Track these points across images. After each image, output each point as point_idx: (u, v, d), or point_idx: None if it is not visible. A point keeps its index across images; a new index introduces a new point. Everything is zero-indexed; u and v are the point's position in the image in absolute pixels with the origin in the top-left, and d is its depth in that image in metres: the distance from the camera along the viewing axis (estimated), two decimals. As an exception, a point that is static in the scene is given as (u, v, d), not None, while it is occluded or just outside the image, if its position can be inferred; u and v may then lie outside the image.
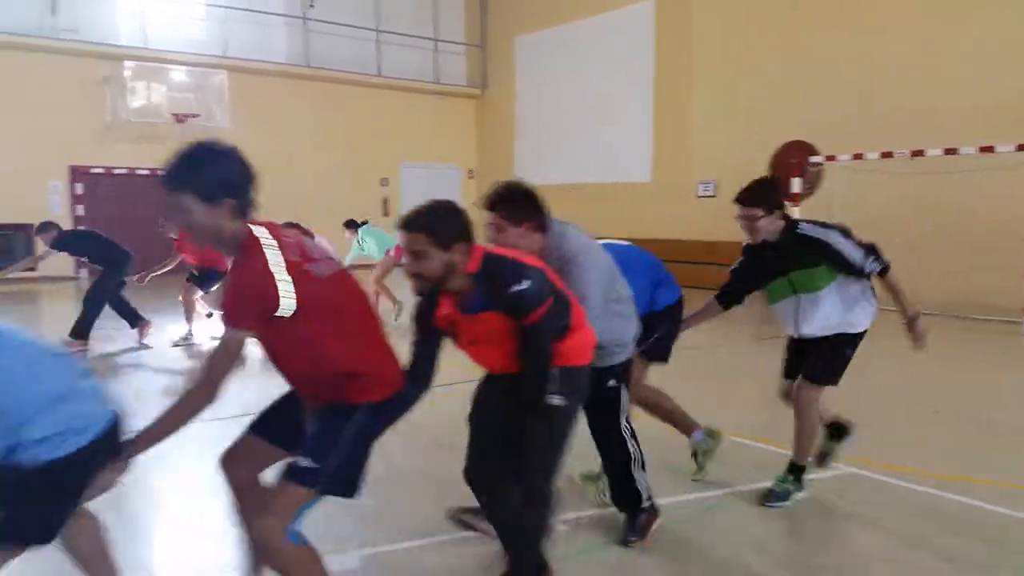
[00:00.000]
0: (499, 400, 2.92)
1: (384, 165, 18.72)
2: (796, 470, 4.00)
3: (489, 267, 2.67)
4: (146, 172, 15.35)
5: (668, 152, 15.95)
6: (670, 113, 15.88)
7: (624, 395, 3.48)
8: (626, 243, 4.24)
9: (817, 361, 3.93)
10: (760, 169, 12.36)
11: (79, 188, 15.39)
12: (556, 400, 2.76)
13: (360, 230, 10.77)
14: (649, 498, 3.52)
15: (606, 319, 3.18)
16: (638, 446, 3.51)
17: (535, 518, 2.91)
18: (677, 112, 15.69)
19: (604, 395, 3.37)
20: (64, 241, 8.43)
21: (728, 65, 14.66)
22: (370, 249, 10.55)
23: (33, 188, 14.63)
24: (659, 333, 4.02)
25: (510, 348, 2.73)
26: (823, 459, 4.26)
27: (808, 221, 3.92)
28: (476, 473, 3.00)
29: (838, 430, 4.28)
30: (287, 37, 17.56)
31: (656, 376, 4.30)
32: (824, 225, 3.84)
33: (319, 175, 17.58)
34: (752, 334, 9.37)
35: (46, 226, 8.35)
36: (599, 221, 17.31)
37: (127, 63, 15.26)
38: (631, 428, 3.52)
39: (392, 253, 10.24)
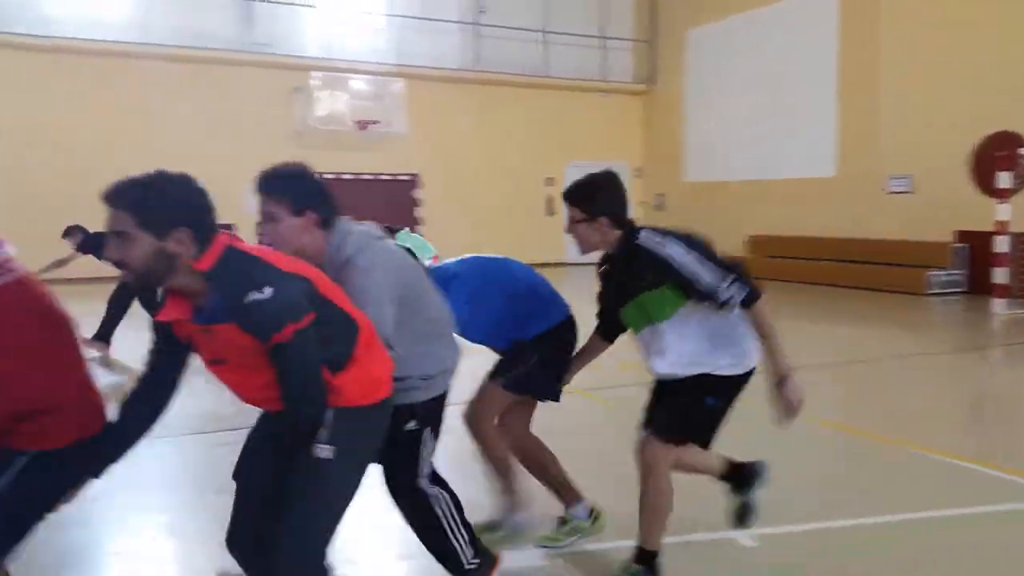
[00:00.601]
0: (269, 447, 2.35)
1: (549, 164, 18.83)
2: (645, 558, 3.02)
3: (226, 266, 2.07)
4: (331, 176, 16.31)
5: (854, 145, 14.96)
6: (856, 103, 14.89)
7: (428, 442, 2.79)
8: (498, 256, 3.62)
9: (665, 409, 3.06)
10: (959, 163, 11.31)
11: (272, 193, 16.56)
12: (324, 452, 2.18)
13: (397, 236, 10.66)
14: (476, 555, 2.84)
15: (403, 342, 2.55)
16: (448, 500, 2.83)
17: None
18: (864, 102, 14.69)
19: (399, 440, 2.69)
20: (90, 244, 8.38)
21: (920, 51, 13.54)
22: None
23: (228, 192, 15.84)
24: (530, 363, 3.32)
25: (268, 376, 2.12)
26: (742, 518, 3.37)
27: (651, 229, 3.01)
28: (238, 542, 2.42)
29: (741, 476, 3.35)
30: (459, 43, 18.06)
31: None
32: (665, 233, 2.96)
33: (485, 176, 18.06)
34: (955, 344, 8.58)
35: (72, 230, 8.46)
36: (775, 218, 16.82)
37: (314, 74, 16.25)
38: (437, 480, 2.86)
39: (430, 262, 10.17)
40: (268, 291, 2.02)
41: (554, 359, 3.36)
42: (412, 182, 17.83)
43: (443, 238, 17.54)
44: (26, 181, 13.98)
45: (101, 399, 2.25)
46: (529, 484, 3.59)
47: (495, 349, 3.50)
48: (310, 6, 16.61)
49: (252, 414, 2.49)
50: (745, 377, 3.03)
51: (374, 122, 16.52)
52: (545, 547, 3.45)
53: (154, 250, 2.01)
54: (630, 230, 3.01)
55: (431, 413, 2.80)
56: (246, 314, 2.02)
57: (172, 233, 2.02)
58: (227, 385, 2.27)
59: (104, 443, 2.23)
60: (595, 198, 3.01)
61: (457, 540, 2.80)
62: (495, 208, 18.12)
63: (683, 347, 2.97)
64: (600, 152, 19.31)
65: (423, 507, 2.80)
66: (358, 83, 16.76)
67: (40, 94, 14.29)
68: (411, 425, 2.75)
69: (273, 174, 2.62)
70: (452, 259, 3.66)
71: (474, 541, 2.86)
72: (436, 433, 2.85)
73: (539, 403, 3.51)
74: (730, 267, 2.88)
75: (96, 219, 2.44)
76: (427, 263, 10.54)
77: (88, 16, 14.65)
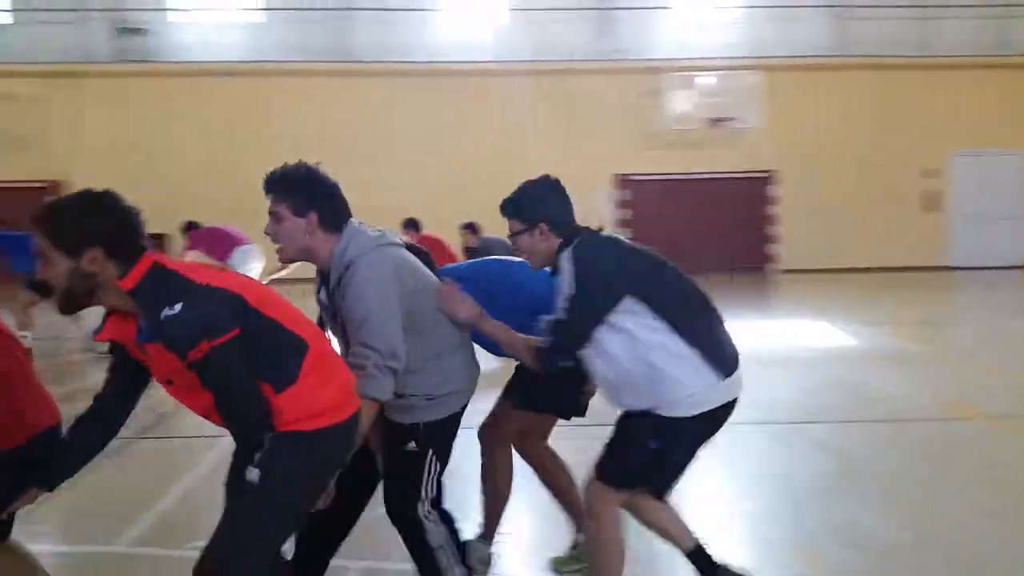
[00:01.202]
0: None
1: (928, 155, 16.68)
2: None
3: (148, 284, 2.03)
4: (681, 177, 16.22)
5: None
6: None
7: (430, 466, 2.62)
8: (504, 259, 3.34)
9: (607, 447, 2.70)
10: None
11: (623, 195, 16.88)
12: (251, 475, 2.09)
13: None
14: None
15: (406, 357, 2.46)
16: (446, 532, 2.67)
17: None
18: None
19: (398, 461, 2.62)
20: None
21: None
22: None
23: (579, 197, 16.43)
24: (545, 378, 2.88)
25: (210, 395, 2.09)
26: None
27: (590, 240, 2.72)
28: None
29: (710, 569, 2.75)
30: (820, 28, 16.76)
31: None
32: (590, 248, 2.66)
33: (849, 171, 16.56)
34: None
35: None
36: None
37: (665, 74, 16.23)
38: (438, 511, 2.69)
39: None
40: (178, 307, 1.97)
41: (569, 373, 2.84)
42: (766, 179, 16.98)
43: (802, 239, 16.63)
44: (431, 198, 15.83)
45: (49, 398, 2.36)
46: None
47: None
48: (665, 7, 16.62)
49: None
50: (698, 421, 2.57)
51: (727, 119, 16.01)
52: (557, 572, 3.25)
53: (68, 270, 2.02)
54: (568, 238, 2.72)
55: (435, 435, 2.64)
56: (162, 331, 1.99)
57: (85, 252, 2.02)
58: (187, 406, 2.25)
59: (56, 457, 2.29)
60: (529, 205, 2.77)
61: (451, 571, 2.66)
62: (860, 206, 16.53)
63: (618, 377, 2.60)
64: (993, 138, 16.67)
65: (417, 536, 2.66)
66: (710, 80, 16.36)
67: (426, 114, 16.11)
68: (410, 446, 2.62)
69: (280, 174, 2.57)
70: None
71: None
72: (443, 458, 2.68)
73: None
74: (570, 323, 2.55)
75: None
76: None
77: (459, 41, 16.21)
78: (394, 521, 2.72)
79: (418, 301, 2.57)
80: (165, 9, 16.08)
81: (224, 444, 2.56)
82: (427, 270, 2.76)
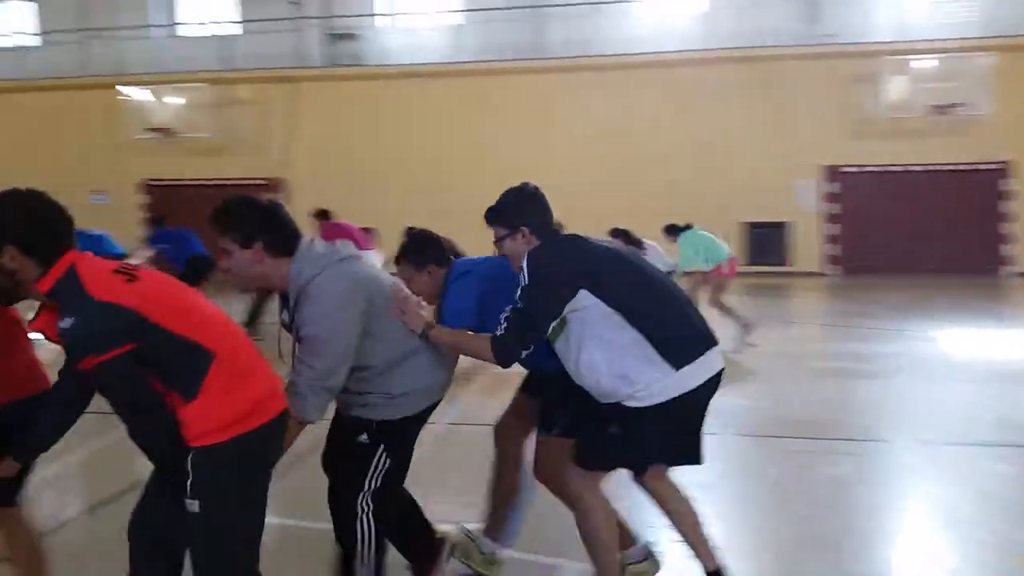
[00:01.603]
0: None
1: None
2: None
3: (59, 288, 2.10)
4: (898, 168, 14.91)
5: None
6: None
7: (379, 462, 2.76)
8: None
9: (581, 429, 2.88)
10: None
11: (831, 187, 15.75)
12: (192, 507, 2.15)
13: (680, 237, 8.96)
14: None
15: (368, 359, 2.65)
16: (374, 533, 2.77)
17: None
18: None
19: (348, 450, 2.79)
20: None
21: None
22: (689, 259, 8.74)
23: (783, 188, 15.54)
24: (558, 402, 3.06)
25: None
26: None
27: (560, 240, 2.91)
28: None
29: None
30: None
31: None
32: (551, 246, 2.81)
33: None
34: None
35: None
36: None
37: (881, 58, 14.94)
38: (375, 508, 2.76)
39: (724, 268, 8.61)
40: (68, 321, 2.01)
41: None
42: (1000, 172, 15.19)
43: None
44: (630, 195, 15.62)
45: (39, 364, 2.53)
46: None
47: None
48: (883, -14, 15.33)
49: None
50: (651, 410, 2.68)
51: (954, 105, 14.48)
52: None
53: None
54: (546, 239, 2.87)
55: (390, 433, 2.75)
56: (62, 339, 2.06)
57: (3, 249, 2.10)
58: None
59: (29, 433, 2.37)
60: (510, 212, 2.91)
61: (364, 572, 2.76)
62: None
63: (582, 367, 2.74)
64: None
65: (347, 523, 2.77)
66: (931, 63, 14.89)
67: (622, 108, 15.83)
68: (362, 438, 2.73)
69: (221, 210, 2.60)
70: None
71: None
72: (395, 456, 2.78)
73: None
74: (523, 311, 2.69)
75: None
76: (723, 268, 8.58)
77: (656, 31, 15.76)
78: (332, 502, 2.84)
79: (378, 308, 2.64)
80: (373, 15, 16.89)
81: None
82: (387, 278, 2.82)
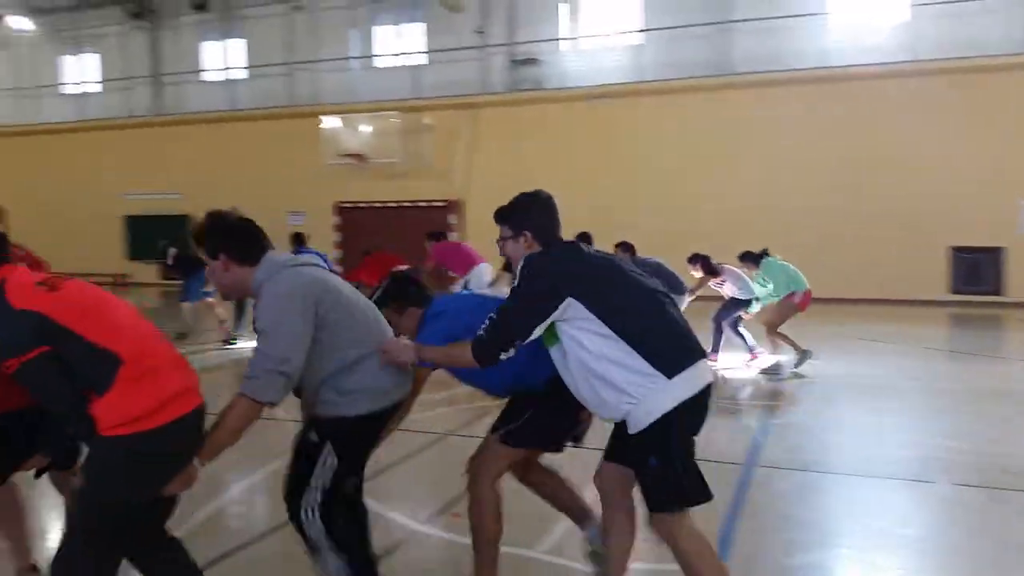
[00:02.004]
0: None
1: None
2: None
3: None
4: None
5: None
6: None
7: (326, 459, 2.83)
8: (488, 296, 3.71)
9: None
10: None
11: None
12: (76, 482, 2.50)
13: (762, 264, 8.72)
14: None
15: (321, 361, 2.78)
16: (322, 531, 2.84)
17: None
18: None
19: (300, 447, 2.93)
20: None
21: None
22: (762, 288, 8.70)
23: (996, 210, 14.07)
24: (524, 416, 3.16)
25: None
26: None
27: (562, 249, 2.94)
28: None
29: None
30: None
31: None
32: (549, 255, 2.88)
33: None
34: None
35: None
36: None
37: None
38: (321, 506, 2.84)
39: (797, 298, 8.45)
40: None
41: (547, 410, 3.13)
42: None
43: None
44: (820, 212, 14.86)
45: None
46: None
47: (488, 392, 3.43)
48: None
49: None
50: (667, 428, 2.66)
51: None
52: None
53: None
54: (546, 246, 2.95)
55: (339, 431, 2.85)
56: None
57: None
58: None
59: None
60: (517, 215, 3.03)
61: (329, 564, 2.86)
62: None
63: (579, 386, 2.79)
64: None
65: (296, 517, 2.88)
66: None
67: (813, 124, 15.05)
68: (312, 436, 2.87)
69: (197, 228, 2.86)
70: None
71: None
72: (344, 455, 2.86)
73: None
74: (508, 313, 2.74)
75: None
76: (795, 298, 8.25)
77: (850, 43, 14.85)
78: (286, 501, 2.94)
79: (329, 314, 2.78)
80: (556, 39, 17.10)
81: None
82: (345, 286, 2.94)
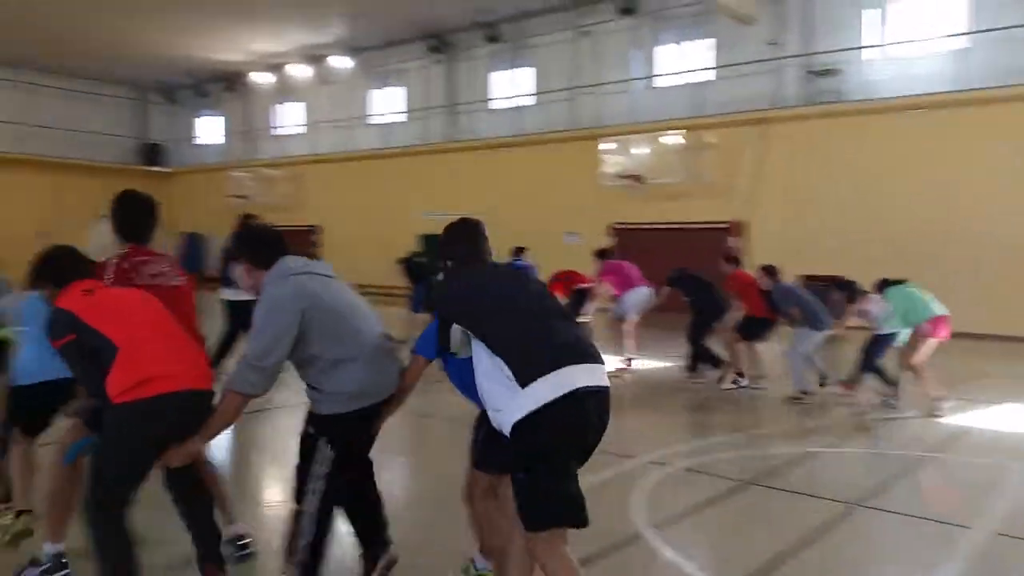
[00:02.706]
0: None
1: None
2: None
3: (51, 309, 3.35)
4: None
5: None
6: None
7: (323, 452, 3.18)
8: None
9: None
10: None
11: None
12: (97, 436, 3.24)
13: (887, 292, 7.77)
14: None
15: (313, 363, 3.16)
16: (320, 526, 3.19)
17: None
18: None
19: (301, 441, 3.28)
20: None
21: None
22: (894, 316, 7.64)
23: None
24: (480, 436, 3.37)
25: None
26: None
27: (461, 269, 3.35)
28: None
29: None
30: None
31: None
32: (448, 274, 3.41)
33: None
34: None
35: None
36: None
37: None
38: (325, 503, 3.18)
39: (924, 328, 7.50)
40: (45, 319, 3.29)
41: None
42: None
43: None
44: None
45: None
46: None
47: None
48: None
49: None
50: (525, 422, 2.69)
51: None
52: None
53: None
54: (459, 268, 3.28)
55: (329, 427, 3.19)
56: None
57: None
58: None
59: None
60: (442, 244, 3.32)
61: (305, 556, 3.16)
62: None
63: (484, 392, 2.91)
64: None
65: (299, 503, 3.20)
66: None
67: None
68: (309, 429, 3.25)
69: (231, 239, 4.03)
70: None
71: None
72: (337, 450, 3.18)
73: None
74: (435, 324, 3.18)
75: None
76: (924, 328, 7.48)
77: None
78: (294, 485, 3.27)
79: (313, 321, 3.10)
80: (860, 47, 15.52)
81: None
82: (342, 297, 3.27)
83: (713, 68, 17.36)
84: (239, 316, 7.62)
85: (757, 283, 8.72)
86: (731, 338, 8.96)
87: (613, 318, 10.17)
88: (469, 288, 3.10)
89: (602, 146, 17.65)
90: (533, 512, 2.66)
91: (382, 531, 3.45)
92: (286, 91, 25.87)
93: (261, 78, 26.12)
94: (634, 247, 16.12)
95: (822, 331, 8.15)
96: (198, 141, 29.76)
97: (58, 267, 3.47)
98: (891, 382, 7.77)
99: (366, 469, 3.45)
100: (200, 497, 3.48)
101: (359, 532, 3.46)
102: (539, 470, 2.64)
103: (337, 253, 21.40)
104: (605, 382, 2.77)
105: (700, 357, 9.15)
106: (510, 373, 2.70)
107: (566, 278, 11.15)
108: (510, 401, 2.68)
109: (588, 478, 2.79)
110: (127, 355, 3.08)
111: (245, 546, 3.90)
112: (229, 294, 7.80)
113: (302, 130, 25.97)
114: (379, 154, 23.16)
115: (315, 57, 24.05)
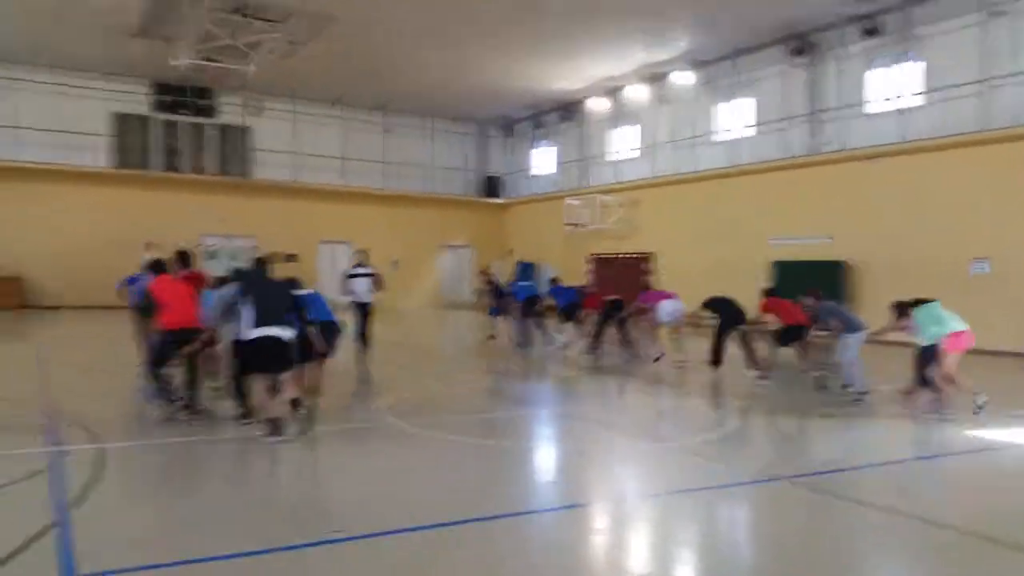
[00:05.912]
0: None
1: None
2: None
3: None
4: None
5: None
6: None
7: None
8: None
9: None
10: None
11: None
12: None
13: (915, 312, 8.56)
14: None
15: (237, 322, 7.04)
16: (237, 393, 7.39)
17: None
18: None
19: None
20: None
21: None
22: (923, 333, 8.46)
23: None
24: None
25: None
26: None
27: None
28: None
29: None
30: None
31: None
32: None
33: None
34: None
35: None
36: None
37: None
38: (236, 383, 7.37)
39: (946, 343, 8.21)
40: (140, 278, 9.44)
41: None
42: None
43: None
44: None
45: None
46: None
47: None
48: None
49: None
50: (244, 346, 7.05)
51: None
52: None
53: None
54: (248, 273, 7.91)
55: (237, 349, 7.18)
56: None
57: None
58: None
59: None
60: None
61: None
62: None
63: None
64: None
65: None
66: None
67: None
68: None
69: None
70: None
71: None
72: (242, 360, 7.03)
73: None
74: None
75: None
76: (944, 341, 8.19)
77: None
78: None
79: (237, 302, 7.18)
80: None
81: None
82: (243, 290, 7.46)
83: (922, 93, 13.06)
84: None
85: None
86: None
87: None
88: (244, 283, 7.21)
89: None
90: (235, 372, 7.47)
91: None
92: (622, 115, 25.04)
93: (597, 104, 25.56)
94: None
95: (857, 333, 9.41)
96: (533, 172, 30.10)
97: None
98: (937, 390, 8.41)
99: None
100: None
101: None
102: (238, 363, 7.33)
103: (674, 282, 19.67)
104: None
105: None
106: (256, 323, 6.97)
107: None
108: (245, 332, 6.97)
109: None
110: (166, 306, 7.80)
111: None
112: None
113: (636, 154, 24.92)
114: (724, 173, 21.22)
115: (654, 76, 22.88)
